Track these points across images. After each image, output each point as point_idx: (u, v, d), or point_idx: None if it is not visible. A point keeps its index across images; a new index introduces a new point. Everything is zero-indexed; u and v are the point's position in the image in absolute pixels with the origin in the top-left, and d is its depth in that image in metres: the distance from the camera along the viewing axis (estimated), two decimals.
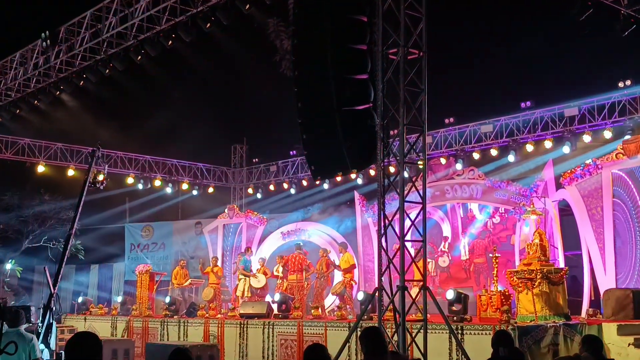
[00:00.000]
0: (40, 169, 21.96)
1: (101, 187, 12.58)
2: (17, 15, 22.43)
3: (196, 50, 18.75)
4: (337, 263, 18.21)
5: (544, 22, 19.41)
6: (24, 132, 22.12)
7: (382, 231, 10.02)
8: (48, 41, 17.50)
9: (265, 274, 19.00)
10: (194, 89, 24.93)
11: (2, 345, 5.07)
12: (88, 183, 12.29)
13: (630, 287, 13.60)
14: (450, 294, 13.04)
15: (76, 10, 17.45)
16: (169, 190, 24.72)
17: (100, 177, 12.44)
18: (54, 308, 11.23)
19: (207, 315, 16.83)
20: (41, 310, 11.48)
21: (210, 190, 25.65)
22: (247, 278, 18.72)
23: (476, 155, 19.12)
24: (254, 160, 26.61)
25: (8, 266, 24.45)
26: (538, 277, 12.33)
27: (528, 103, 18.50)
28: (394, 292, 9.82)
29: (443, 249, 19.68)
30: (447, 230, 20.10)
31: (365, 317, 12.53)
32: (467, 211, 19.67)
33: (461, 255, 19.60)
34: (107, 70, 17.35)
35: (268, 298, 18.48)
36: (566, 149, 17.51)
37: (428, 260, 18.93)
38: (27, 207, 25.10)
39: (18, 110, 20.28)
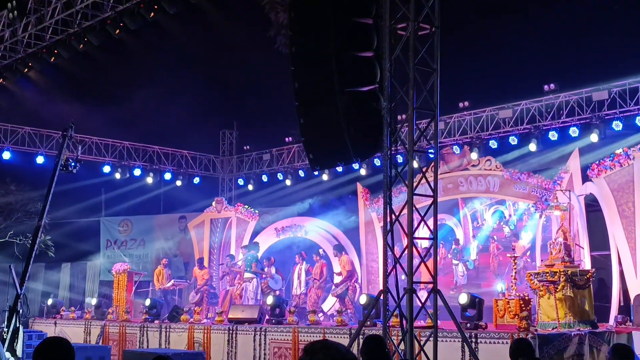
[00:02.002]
0: (6, 155, 21.91)
1: (74, 171, 12.55)
2: None
3: (181, 23, 18.68)
4: (332, 267, 18.34)
5: None
6: None
7: (388, 227, 10.02)
8: (15, 12, 17.41)
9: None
10: (178, 67, 24.83)
11: None
12: (59, 167, 12.24)
13: None
14: (463, 298, 13.06)
15: None
16: (149, 180, 24.68)
17: (73, 163, 12.40)
18: (20, 311, 11.23)
19: (191, 320, 16.85)
20: (6, 313, 11.48)
21: (196, 180, 25.62)
22: (257, 278, 18.72)
23: (493, 144, 19.08)
24: (244, 147, 26.57)
25: None
26: (561, 279, 12.35)
27: (552, 86, 18.44)
28: (400, 296, 9.82)
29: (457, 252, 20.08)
30: (459, 234, 20.38)
31: (369, 323, 12.55)
32: (483, 220, 19.98)
33: (470, 257, 20.02)
34: (81, 45, 17.29)
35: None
36: (594, 137, 17.47)
37: (455, 262, 19.39)
38: None
39: None
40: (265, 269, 19.09)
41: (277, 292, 18.25)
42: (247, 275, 19.13)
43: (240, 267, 19.55)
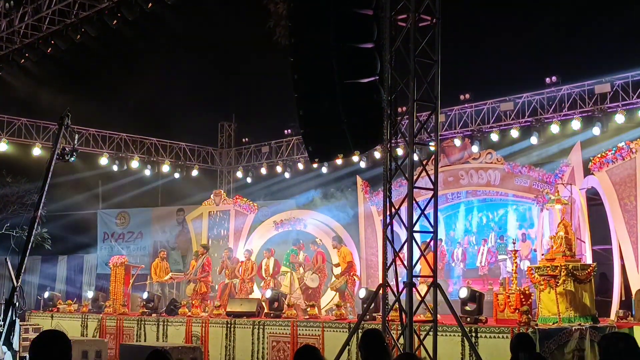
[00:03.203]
0: (2, 147, 21.89)
1: (71, 160, 12.51)
2: None
3: (179, 14, 18.64)
4: (331, 257, 18.31)
5: None
6: None
7: (388, 221, 10.03)
8: (12, 2, 17.38)
9: (251, 270, 19.12)
10: (176, 58, 24.83)
11: None
12: (56, 155, 12.20)
13: None
14: (463, 292, 13.07)
15: None
16: (147, 172, 24.66)
17: (70, 152, 12.34)
18: (17, 304, 11.22)
19: (189, 313, 16.86)
20: (2, 306, 11.48)
21: (194, 173, 25.60)
22: (293, 272, 18.68)
23: (495, 137, 19.07)
24: (243, 139, 26.54)
25: None
26: (562, 274, 12.35)
27: (554, 78, 18.41)
28: (400, 289, 9.83)
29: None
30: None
31: (368, 317, 12.57)
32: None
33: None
34: (78, 36, 17.25)
35: (256, 294, 18.57)
36: (596, 130, 17.47)
37: (502, 257, 19.60)
38: None
39: None
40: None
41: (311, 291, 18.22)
42: (283, 268, 19.03)
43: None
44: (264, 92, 23.79)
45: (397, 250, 9.96)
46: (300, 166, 23.18)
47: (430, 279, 10.02)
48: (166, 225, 25.10)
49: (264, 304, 16.41)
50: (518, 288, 12.97)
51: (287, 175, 23.66)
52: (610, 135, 17.35)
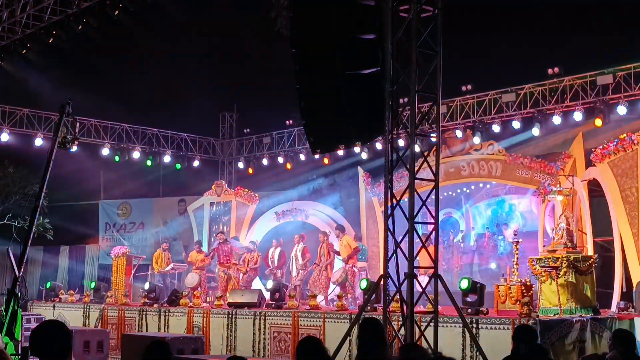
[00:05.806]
0: (4, 137, 21.87)
1: (71, 149, 12.50)
2: None
3: (181, 4, 18.61)
4: (336, 248, 18.27)
5: None
6: None
7: (389, 212, 10.02)
8: None
9: (256, 260, 19.12)
10: (178, 49, 24.76)
11: None
12: (57, 144, 12.18)
13: None
14: (464, 284, 13.06)
15: None
16: (149, 163, 24.64)
17: (70, 140, 12.33)
18: (19, 294, 11.24)
19: (191, 304, 16.88)
20: (5, 296, 11.50)
21: (196, 163, 25.58)
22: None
23: (496, 128, 19.03)
24: (245, 130, 26.52)
25: None
26: (563, 265, 12.36)
27: (556, 69, 18.36)
28: (401, 281, 9.83)
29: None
30: (463, 225, 20.75)
31: (369, 307, 12.58)
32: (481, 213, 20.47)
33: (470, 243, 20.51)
34: (80, 27, 17.21)
35: (256, 285, 18.59)
36: (598, 122, 17.43)
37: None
38: None
39: None
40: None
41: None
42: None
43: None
44: (265, 83, 23.72)
45: (399, 241, 9.96)
46: (302, 157, 23.13)
47: (431, 270, 10.03)
48: (168, 216, 25.12)
49: (265, 294, 16.42)
50: (519, 279, 12.98)
51: (288, 166, 23.60)
52: (612, 126, 17.31)
